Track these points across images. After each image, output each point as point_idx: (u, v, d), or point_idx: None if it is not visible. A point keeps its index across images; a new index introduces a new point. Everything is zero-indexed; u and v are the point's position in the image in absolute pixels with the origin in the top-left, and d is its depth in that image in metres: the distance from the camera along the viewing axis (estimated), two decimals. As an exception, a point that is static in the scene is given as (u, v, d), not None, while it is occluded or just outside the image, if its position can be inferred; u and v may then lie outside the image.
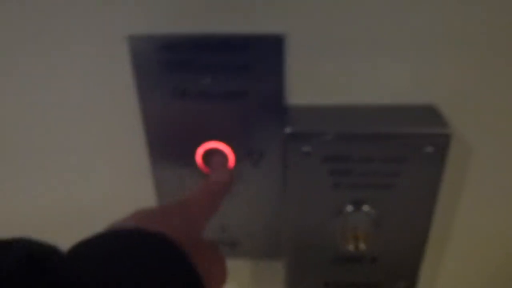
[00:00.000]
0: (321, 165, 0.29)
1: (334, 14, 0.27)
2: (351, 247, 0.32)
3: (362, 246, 0.31)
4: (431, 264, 0.37)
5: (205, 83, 0.29)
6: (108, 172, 0.35)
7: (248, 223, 0.36)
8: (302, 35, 0.28)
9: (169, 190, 0.34)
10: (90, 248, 0.20)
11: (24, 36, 0.29)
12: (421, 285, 0.37)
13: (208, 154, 0.32)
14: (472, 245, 0.36)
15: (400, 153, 0.28)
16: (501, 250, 0.36)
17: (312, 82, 0.30)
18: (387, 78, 0.29)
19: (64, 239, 0.22)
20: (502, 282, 0.38)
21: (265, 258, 0.38)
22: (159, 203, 0.35)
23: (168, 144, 0.32)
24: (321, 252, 0.33)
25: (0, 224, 0.40)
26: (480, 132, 0.31)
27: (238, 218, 0.35)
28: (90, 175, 0.35)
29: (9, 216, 0.39)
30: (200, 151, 0.32)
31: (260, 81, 0.29)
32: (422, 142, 0.28)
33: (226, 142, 0.32)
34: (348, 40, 0.28)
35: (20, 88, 0.31)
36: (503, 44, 0.28)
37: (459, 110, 0.30)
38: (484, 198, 0.34)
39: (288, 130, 0.29)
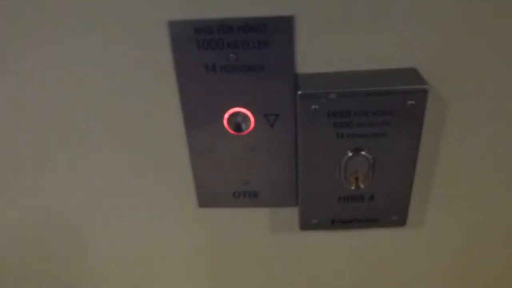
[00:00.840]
0: (327, 119, 0.33)
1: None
2: (352, 187, 0.36)
3: (361, 185, 0.36)
4: (418, 200, 0.40)
5: (230, 58, 0.33)
6: (147, 137, 0.38)
7: (267, 176, 0.39)
8: (308, 17, 0.32)
9: (201, 151, 0.38)
10: None
11: (68, 22, 0.32)
12: (410, 218, 0.40)
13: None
14: (451, 183, 0.39)
15: (389, 106, 0.32)
16: (474, 188, 0.39)
17: (317, 54, 0.33)
18: (378, 48, 0.33)
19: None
20: (479, 218, 0.41)
21: (283, 206, 0.41)
22: (192, 164, 0.38)
23: (200, 111, 0.36)
24: (328, 194, 0.37)
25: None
26: (453, 88, 0.34)
27: (259, 172, 0.39)
28: (130, 143, 0.38)
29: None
30: (226, 116, 0.36)
31: (275, 55, 0.33)
32: (406, 97, 0.32)
33: (247, 107, 0.36)
34: (344, 19, 0.31)
35: (67, 66, 0.34)
36: (475, 17, 0.31)
37: (436, 72, 0.33)
38: (460, 142, 0.37)
39: (299, 92, 0.33)
